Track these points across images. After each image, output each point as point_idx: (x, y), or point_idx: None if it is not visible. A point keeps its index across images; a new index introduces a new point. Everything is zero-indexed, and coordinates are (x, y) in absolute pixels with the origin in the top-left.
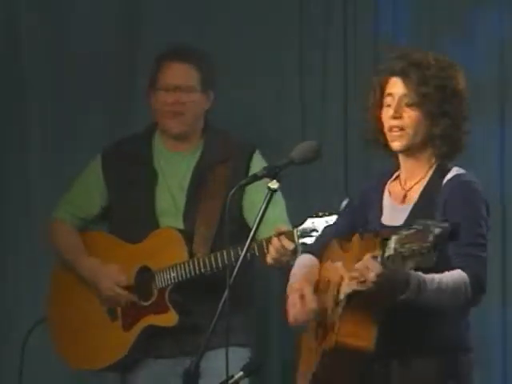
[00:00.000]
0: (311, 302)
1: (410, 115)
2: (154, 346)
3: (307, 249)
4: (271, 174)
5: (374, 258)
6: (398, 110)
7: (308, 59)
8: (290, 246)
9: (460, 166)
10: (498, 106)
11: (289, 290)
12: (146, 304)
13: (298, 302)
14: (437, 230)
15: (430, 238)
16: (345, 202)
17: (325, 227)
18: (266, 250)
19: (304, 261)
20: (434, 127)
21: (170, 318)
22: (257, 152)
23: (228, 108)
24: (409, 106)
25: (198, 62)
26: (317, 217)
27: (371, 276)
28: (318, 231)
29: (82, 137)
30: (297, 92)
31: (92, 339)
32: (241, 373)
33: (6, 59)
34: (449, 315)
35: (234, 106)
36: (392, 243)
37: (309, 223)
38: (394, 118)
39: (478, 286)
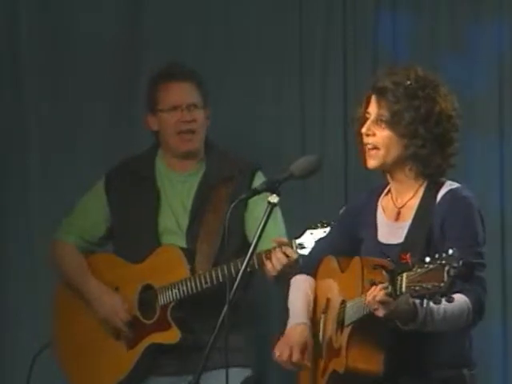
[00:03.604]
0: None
1: (382, 134)
2: (157, 363)
3: (301, 269)
4: (271, 188)
5: (387, 293)
6: (370, 128)
7: (308, 59)
8: (293, 254)
9: (460, 179)
10: (497, 118)
11: (288, 336)
12: (149, 322)
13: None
14: (452, 271)
15: (445, 278)
16: (342, 210)
17: (316, 241)
18: (265, 262)
19: (299, 287)
20: (405, 148)
21: (172, 335)
22: (259, 171)
23: (227, 108)
24: (381, 124)
25: (195, 80)
26: (315, 228)
27: (382, 311)
28: None
29: (82, 137)
30: (297, 92)
31: (95, 358)
32: None
33: (5, 59)
34: (453, 333)
35: (233, 106)
36: (404, 281)
37: (307, 234)
38: (367, 135)
39: (479, 309)
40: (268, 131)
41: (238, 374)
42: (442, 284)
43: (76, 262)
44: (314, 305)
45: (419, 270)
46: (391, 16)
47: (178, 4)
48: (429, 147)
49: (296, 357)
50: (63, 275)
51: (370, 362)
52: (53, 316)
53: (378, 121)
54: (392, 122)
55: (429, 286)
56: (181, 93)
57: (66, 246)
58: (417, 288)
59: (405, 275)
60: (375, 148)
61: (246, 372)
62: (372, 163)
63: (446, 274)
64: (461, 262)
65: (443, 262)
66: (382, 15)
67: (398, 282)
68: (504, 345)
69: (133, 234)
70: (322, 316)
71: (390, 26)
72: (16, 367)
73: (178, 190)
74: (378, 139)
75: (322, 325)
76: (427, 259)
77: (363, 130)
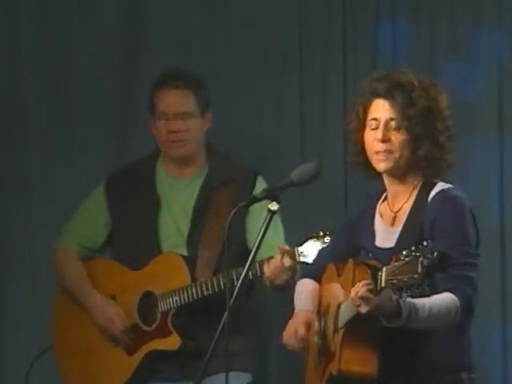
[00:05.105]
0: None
1: (398, 138)
2: (156, 369)
3: (306, 273)
4: (271, 195)
5: (369, 289)
6: (386, 134)
7: (308, 59)
8: (287, 262)
9: (460, 179)
10: (497, 118)
11: (293, 318)
12: (149, 329)
13: (293, 334)
14: (425, 262)
15: (419, 269)
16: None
17: (321, 249)
18: (264, 270)
19: (304, 286)
20: (417, 149)
21: (172, 342)
22: (260, 177)
23: (227, 108)
24: (396, 129)
25: (192, 86)
26: (317, 236)
27: (365, 307)
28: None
29: (81, 137)
30: (297, 92)
31: (95, 364)
32: None
33: (5, 59)
34: (450, 336)
35: (233, 106)
36: (383, 275)
37: (310, 243)
38: (383, 141)
39: (467, 308)
40: (268, 131)
41: (239, 379)
42: (417, 275)
43: (76, 269)
44: (317, 311)
45: (396, 263)
46: (391, 16)
47: (178, 4)
48: (438, 146)
49: (301, 332)
50: (62, 281)
51: (363, 364)
52: (51, 322)
53: (393, 126)
54: (409, 126)
55: (405, 278)
56: (170, 101)
57: (68, 252)
58: (394, 281)
59: (384, 269)
60: (389, 153)
61: (247, 377)
62: (384, 166)
63: (420, 265)
64: (435, 253)
65: (418, 253)
66: (382, 15)
67: (379, 278)
68: (503, 347)
69: (132, 239)
70: (322, 320)
71: (389, 26)
72: (16, 368)
73: (178, 195)
74: (394, 144)
75: (322, 329)
76: (404, 252)
77: (378, 136)
